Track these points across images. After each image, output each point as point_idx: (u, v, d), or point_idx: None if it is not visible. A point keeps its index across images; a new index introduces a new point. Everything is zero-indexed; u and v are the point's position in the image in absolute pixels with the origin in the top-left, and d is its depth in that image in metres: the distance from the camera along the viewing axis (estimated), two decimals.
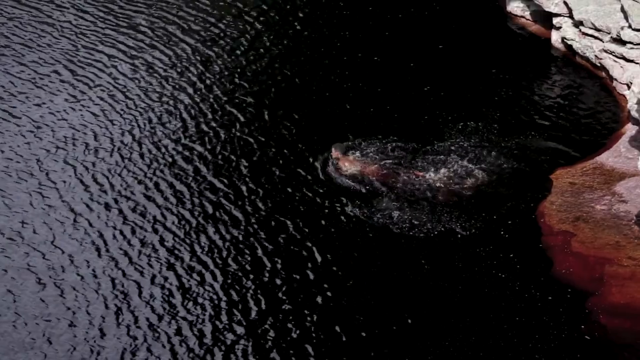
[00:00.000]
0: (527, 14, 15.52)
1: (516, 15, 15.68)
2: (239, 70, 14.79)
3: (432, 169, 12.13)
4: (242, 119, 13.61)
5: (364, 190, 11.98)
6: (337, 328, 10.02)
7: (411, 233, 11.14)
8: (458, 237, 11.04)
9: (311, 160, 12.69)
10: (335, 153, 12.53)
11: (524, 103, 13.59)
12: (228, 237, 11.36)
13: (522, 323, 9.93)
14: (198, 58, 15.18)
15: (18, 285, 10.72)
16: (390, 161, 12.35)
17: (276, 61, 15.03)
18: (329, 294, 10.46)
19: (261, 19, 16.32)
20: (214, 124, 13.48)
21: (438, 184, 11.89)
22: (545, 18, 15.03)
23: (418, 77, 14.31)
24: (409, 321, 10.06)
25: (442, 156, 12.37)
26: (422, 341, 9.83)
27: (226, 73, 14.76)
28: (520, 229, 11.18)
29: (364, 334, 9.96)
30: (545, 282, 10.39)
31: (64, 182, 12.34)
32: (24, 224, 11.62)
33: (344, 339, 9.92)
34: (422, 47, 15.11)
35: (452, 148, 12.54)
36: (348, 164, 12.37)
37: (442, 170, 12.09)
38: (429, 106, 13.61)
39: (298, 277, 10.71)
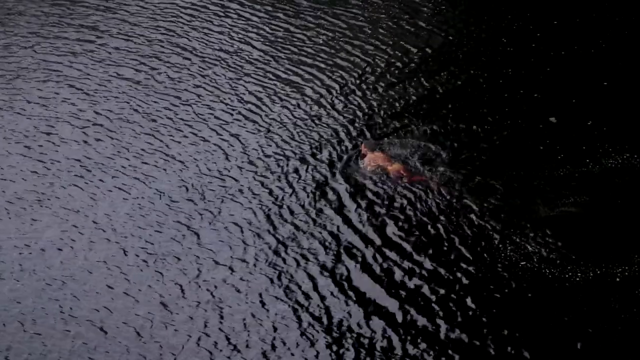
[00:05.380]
0: None
1: None
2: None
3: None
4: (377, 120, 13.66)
5: (382, 188, 11.95)
6: None
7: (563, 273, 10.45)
8: (617, 279, 10.27)
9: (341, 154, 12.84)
10: (364, 149, 12.61)
11: None
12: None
13: None
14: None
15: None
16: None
17: (436, 89, 14.69)
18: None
19: (424, 43, 16.05)
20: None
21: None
22: None
23: (577, 113, 13.67)
24: None
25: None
26: None
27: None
28: None
29: None
30: None
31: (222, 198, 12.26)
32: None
33: None
34: (584, 83, 14.48)
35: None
36: (373, 160, 12.41)
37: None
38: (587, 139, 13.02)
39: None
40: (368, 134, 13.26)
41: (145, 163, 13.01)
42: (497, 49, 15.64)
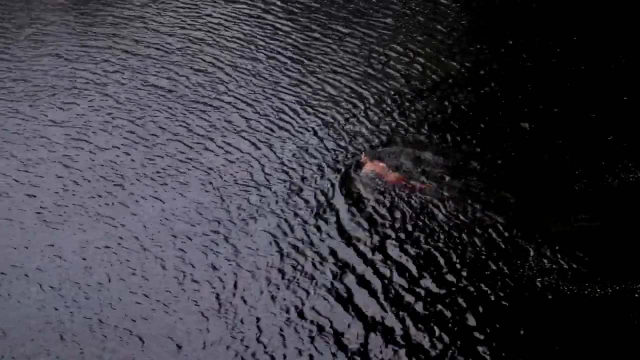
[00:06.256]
0: None
1: None
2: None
3: None
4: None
5: (383, 198, 11.97)
6: None
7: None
8: (636, 295, 10.28)
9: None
10: (364, 158, 12.62)
11: None
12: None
13: None
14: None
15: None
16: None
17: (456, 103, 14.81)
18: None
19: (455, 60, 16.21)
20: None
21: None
22: None
23: (597, 127, 13.75)
24: None
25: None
26: None
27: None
28: None
29: None
30: None
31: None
32: None
33: None
34: (605, 97, 14.56)
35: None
36: (374, 169, 12.39)
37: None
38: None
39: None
40: (370, 143, 13.45)
41: (177, 172, 13.24)
42: (517, 64, 15.81)
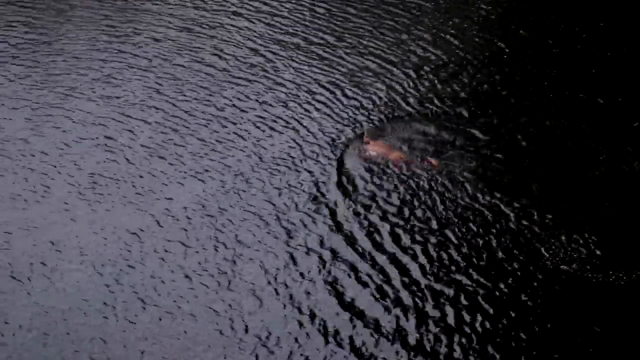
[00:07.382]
0: None
1: None
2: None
3: None
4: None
5: (388, 180, 11.91)
6: None
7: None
8: None
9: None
10: (366, 137, 12.56)
11: None
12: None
13: None
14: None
15: None
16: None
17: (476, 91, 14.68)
18: None
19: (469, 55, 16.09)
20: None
21: None
22: None
23: (622, 113, 13.77)
24: None
25: None
26: None
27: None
28: None
29: None
30: None
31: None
32: None
33: None
34: (629, 83, 14.59)
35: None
36: (375, 148, 12.36)
37: None
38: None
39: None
40: (374, 120, 13.42)
41: (217, 151, 13.27)
42: (543, 50, 15.78)
